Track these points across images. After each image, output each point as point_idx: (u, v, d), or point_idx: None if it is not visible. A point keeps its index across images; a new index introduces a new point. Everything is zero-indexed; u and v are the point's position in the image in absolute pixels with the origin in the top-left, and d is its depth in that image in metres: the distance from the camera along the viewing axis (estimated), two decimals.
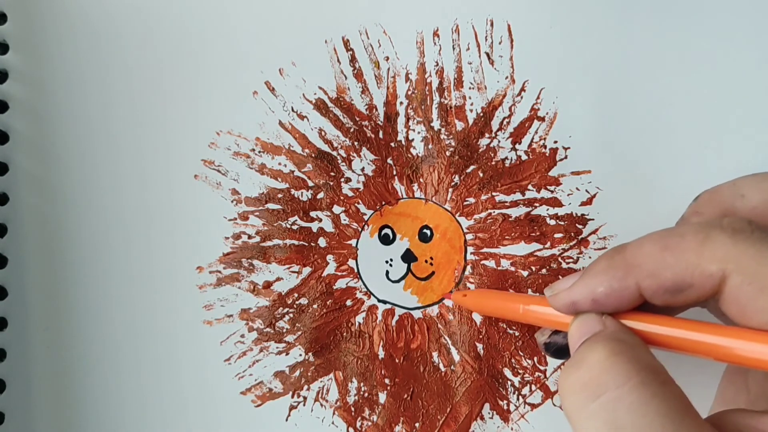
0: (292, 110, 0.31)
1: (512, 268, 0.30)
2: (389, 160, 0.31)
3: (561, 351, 0.24)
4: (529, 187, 0.30)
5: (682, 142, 0.30)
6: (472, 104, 0.30)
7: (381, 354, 0.30)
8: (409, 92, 0.31)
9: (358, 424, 0.30)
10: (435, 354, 0.30)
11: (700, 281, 0.20)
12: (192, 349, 0.31)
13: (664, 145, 0.30)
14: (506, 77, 0.30)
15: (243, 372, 0.31)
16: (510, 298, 0.27)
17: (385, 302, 0.31)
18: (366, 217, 0.31)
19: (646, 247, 0.21)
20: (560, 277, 0.29)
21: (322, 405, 0.31)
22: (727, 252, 0.19)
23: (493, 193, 0.30)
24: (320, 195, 0.31)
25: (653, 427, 0.18)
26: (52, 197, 0.31)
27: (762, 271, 0.19)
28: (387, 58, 0.31)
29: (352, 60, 0.31)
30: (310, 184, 0.31)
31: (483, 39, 0.30)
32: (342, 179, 0.31)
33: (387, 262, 0.31)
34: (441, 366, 0.30)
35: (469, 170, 0.30)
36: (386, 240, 0.31)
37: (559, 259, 0.30)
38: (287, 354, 0.31)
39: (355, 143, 0.31)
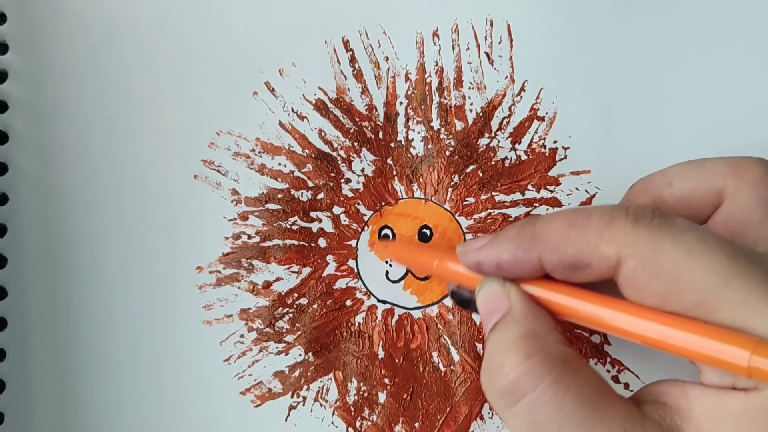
0: (292, 111, 0.31)
1: None
2: (389, 161, 0.31)
3: (464, 303, 0.25)
4: (529, 187, 0.30)
5: (682, 142, 0.30)
6: (471, 104, 0.30)
7: (381, 354, 0.30)
8: (409, 92, 0.31)
9: (358, 424, 0.30)
10: (435, 354, 0.30)
11: (597, 262, 0.20)
12: (191, 349, 0.31)
13: (663, 145, 0.30)
14: (506, 77, 0.30)
15: (242, 372, 0.31)
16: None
17: (384, 302, 0.31)
18: (366, 218, 0.31)
19: (554, 221, 0.21)
20: None
21: (321, 405, 0.30)
22: (625, 237, 0.20)
23: (493, 193, 0.30)
24: (320, 195, 0.31)
25: (570, 418, 0.20)
26: (52, 197, 0.31)
27: (655, 257, 0.20)
28: (387, 59, 0.31)
29: (352, 60, 0.31)
30: (310, 184, 0.31)
31: (483, 39, 0.30)
32: (342, 180, 0.31)
33: (387, 262, 0.31)
34: (441, 366, 0.30)
35: (468, 170, 0.30)
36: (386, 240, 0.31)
37: None
38: (287, 354, 0.31)
39: (355, 144, 0.31)
